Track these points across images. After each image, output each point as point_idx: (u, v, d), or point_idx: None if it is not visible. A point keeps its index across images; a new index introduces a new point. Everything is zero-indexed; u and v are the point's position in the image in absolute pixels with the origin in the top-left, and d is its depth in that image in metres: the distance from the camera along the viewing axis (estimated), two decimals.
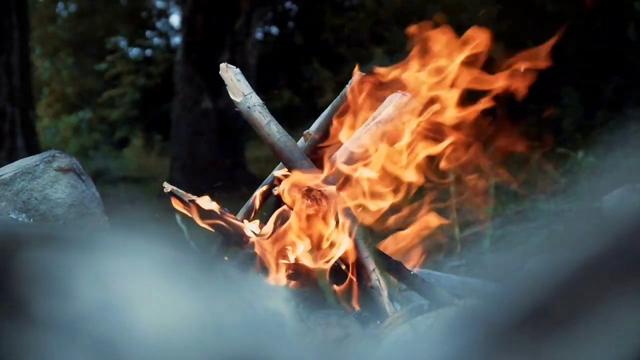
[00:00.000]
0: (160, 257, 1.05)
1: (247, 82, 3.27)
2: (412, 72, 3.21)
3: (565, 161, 8.41)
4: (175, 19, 22.37)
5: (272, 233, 3.10)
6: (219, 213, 3.19)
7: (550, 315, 0.90)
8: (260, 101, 3.23)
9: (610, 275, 0.90)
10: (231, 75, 3.26)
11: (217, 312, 1.04)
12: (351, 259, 3.02)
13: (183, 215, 3.22)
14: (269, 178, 3.35)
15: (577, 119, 9.99)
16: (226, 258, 3.25)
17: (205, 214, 3.19)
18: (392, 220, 3.23)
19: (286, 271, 3.09)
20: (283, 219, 3.14)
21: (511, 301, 0.96)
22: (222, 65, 3.29)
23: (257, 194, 3.35)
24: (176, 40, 20.52)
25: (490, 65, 3.20)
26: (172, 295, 0.99)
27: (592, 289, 0.89)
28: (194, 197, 3.20)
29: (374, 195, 3.14)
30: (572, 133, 9.76)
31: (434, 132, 3.17)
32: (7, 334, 0.88)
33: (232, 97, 3.23)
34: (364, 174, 3.10)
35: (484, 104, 3.22)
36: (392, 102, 3.16)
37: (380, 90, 3.21)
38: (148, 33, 22.12)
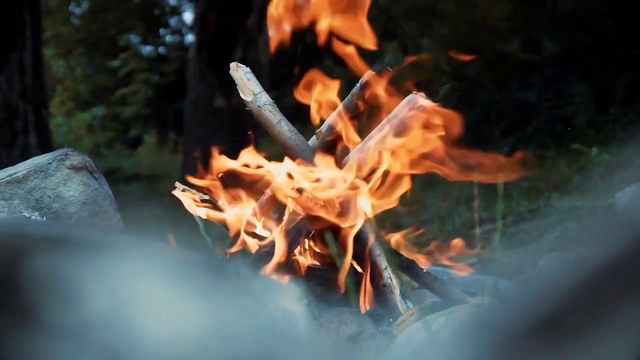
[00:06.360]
0: (171, 260, 1.05)
1: (257, 81, 3.27)
2: None
3: (578, 158, 8.40)
4: (188, 17, 22.41)
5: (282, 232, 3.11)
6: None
7: (564, 323, 0.89)
8: (271, 100, 3.22)
9: (625, 281, 0.89)
10: (241, 74, 3.26)
11: (228, 315, 1.03)
12: (363, 257, 3.02)
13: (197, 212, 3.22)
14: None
15: (589, 116, 9.96)
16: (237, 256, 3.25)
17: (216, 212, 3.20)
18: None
19: (299, 269, 3.09)
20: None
21: (524, 307, 0.95)
22: (232, 65, 3.29)
23: (269, 192, 3.34)
24: (189, 37, 20.55)
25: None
26: (182, 300, 0.98)
27: (606, 296, 0.89)
28: (205, 197, 3.20)
29: (386, 194, 3.14)
30: (584, 130, 9.74)
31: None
32: (16, 340, 0.88)
33: (242, 96, 3.23)
34: (377, 174, 3.09)
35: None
36: (407, 103, 3.15)
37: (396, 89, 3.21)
38: (161, 31, 22.16)
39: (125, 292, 0.95)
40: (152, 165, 16.52)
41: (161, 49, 21.67)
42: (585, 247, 1.04)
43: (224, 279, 1.17)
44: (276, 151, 3.38)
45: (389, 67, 3.15)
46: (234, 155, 3.36)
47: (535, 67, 10.92)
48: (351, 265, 3.09)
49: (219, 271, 1.19)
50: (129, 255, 1.03)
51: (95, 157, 11.39)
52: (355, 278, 3.07)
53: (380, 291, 2.98)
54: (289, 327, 1.26)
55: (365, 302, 3.02)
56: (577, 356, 0.87)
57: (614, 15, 10.96)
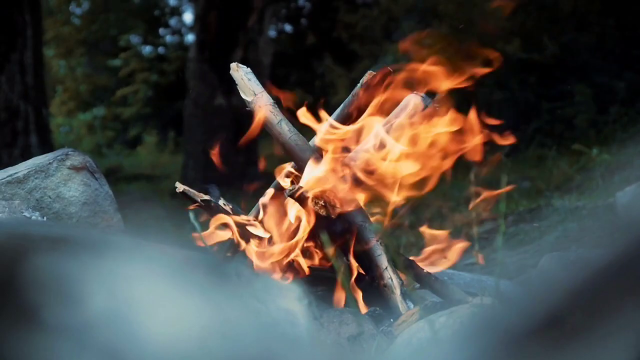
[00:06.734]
0: (172, 260, 1.05)
1: (257, 81, 3.27)
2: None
3: (579, 158, 8.40)
4: (188, 17, 22.43)
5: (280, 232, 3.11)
6: (230, 213, 3.20)
7: (565, 323, 0.89)
8: (271, 100, 3.22)
9: (626, 282, 0.89)
10: (242, 74, 3.26)
11: (229, 315, 1.03)
12: (364, 257, 3.02)
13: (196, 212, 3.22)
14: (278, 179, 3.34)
15: (590, 116, 9.97)
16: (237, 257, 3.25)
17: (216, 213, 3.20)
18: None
19: (300, 270, 3.09)
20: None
21: (526, 307, 0.95)
22: (233, 65, 3.28)
23: (269, 193, 3.34)
24: (189, 37, 20.58)
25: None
26: (183, 300, 0.98)
27: (607, 296, 0.89)
28: (206, 197, 3.20)
29: (387, 195, 3.14)
30: (585, 130, 9.75)
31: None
32: (17, 340, 0.88)
33: (243, 96, 3.23)
34: (378, 174, 3.09)
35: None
36: (409, 104, 3.15)
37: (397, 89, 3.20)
38: (161, 31, 22.18)
39: (125, 292, 0.95)
40: (152, 165, 16.54)
41: (161, 49, 21.70)
42: (585, 247, 1.05)
43: (224, 279, 1.17)
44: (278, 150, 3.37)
45: (389, 67, 3.14)
46: (234, 154, 3.35)
47: (536, 67, 10.93)
48: (352, 265, 3.09)
49: (220, 271, 1.19)
50: (129, 256, 1.03)
51: (96, 157, 11.39)
52: (357, 279, 3.07)
53: (380, 291, 2.98)
54: (290, 327, 1.26)
55: (366, 302, 3.02)
56: (578, 357, 0.87)
57: (615, 15, 10.96)
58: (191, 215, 3.07)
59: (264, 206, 3.27)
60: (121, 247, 1.05)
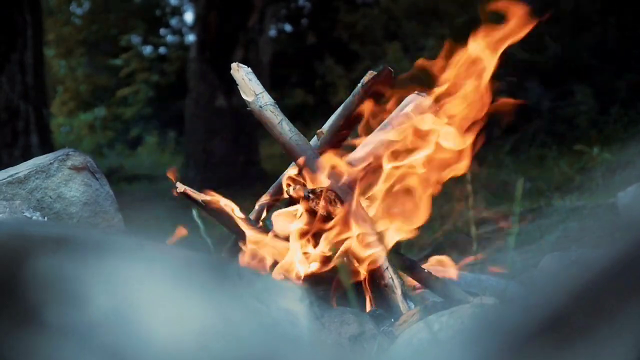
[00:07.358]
0: (173, 261, 1.05)
1: (258, 81, 3.26)
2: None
3: (580, 158, 8.40)
4: (189, 17, 22.44)
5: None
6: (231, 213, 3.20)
7: (568, 324, 0.89)
8: (272, 100, 3.22)
9: (627, 282, 0.89)
10: (242, 74, 3.25)
11: (230, 316, 1.03)
12: (364, 257, 3.02)
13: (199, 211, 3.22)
14: (280, 179, 3.34)
15: (591, 116, 9.97)
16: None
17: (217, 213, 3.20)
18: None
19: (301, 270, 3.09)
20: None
21: (527, 308, 0.95)
22: (234, 65, 3.28)
23: (269, 193, 3.34)
24: (190, 37, 20.58)
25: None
26: (184, 301, 0.98)
27: (608, 296, 0.89)
28: (206, 197, 3.19)
29: (389, 195, 3.13)
30: (586, 130, 9.74)
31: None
32: (19, 340, 0.88)
33: (243, 96, 3.22)
34: (379, 174, 3.09)
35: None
36: (410, 103, 3.15)
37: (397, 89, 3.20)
38: (162, 31, 22.18)
39: (127, 293, 0.95)
40: (152, 165, 16.55)
41: (162, 49, 21.71)
42: (586, 247, 1.05)
43: (226, 279, 1.17)
44: (279, 150, 3.37)
45: (389, 67, 3.14)
46: (234, 153, 3.35)
47: (537, 67, 10.92)
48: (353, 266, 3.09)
49: (221, 272, 1.19)
50: (130, 256, 1.03)
51: (96, 157, 11.39)
52: (357, 279, 3.07)
53: (381, 291, 2.98)
54: (291, 327, 1.26)
55: (367, 302, 3.02)
56: (579, 357, 0.87)
57: (616, 15, 10.95)
58: (194, 213, 3.07)
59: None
60: (122, 247, 1.05)
